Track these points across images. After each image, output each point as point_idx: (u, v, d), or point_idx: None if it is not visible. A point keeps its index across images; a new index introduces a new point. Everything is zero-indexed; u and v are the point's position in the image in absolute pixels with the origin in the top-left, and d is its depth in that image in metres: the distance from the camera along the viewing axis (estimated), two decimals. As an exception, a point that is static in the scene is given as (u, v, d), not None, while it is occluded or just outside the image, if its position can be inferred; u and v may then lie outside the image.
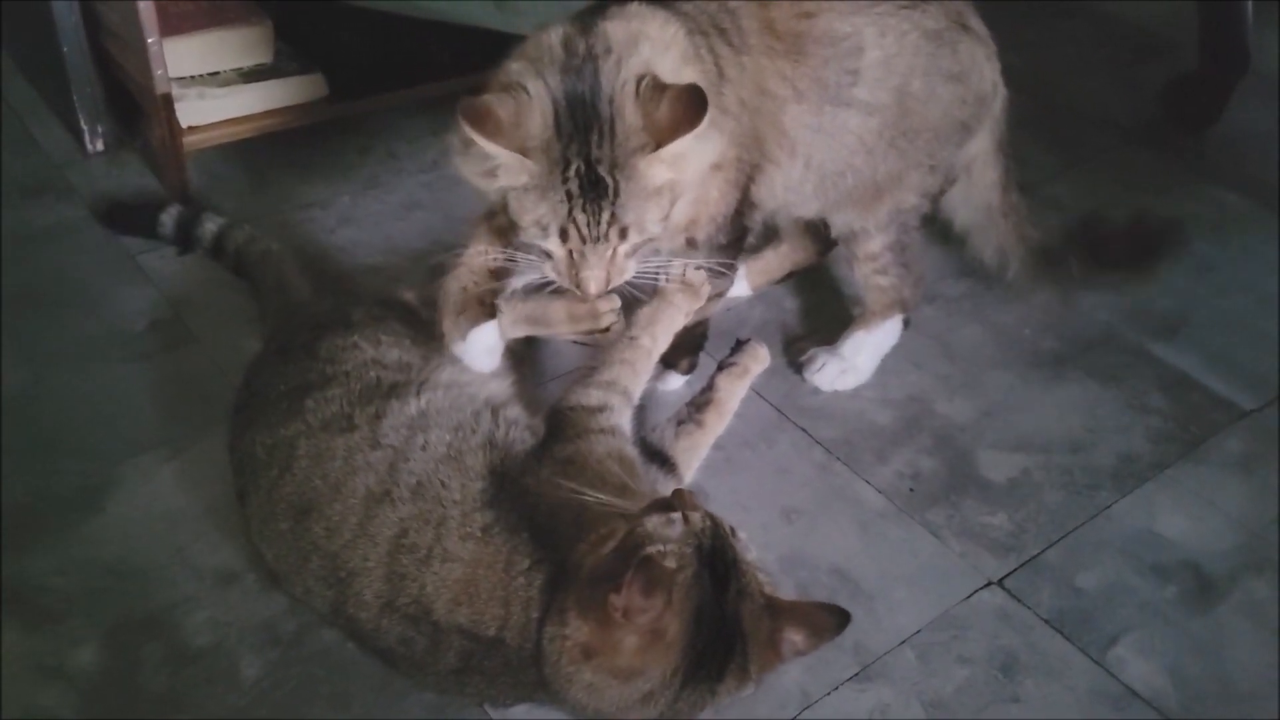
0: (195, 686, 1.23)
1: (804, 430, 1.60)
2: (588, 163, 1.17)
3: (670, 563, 1.01)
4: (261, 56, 1.94)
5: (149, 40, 1.72)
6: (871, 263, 1.59)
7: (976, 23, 1.49)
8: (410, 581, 1.14)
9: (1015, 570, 1.42)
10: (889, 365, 1.70)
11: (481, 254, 1.34)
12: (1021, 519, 1.49)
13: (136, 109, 1.92)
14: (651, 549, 1.00)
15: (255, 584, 1.30)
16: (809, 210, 1.55)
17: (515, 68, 1.21)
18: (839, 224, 1.57)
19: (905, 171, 1.50)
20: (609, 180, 1.17)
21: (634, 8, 1.26)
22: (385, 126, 2.10)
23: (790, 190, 1.46)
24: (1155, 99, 2.37)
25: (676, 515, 1.05)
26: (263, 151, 2.00)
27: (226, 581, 1.32)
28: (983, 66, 1.50)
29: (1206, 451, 1.61)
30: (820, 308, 1.81)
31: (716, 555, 1.05)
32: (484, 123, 1.15)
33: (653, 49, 1.22)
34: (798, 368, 1.68)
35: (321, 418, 1.24)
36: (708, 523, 1.07)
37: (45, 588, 1.31)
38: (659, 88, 1.17)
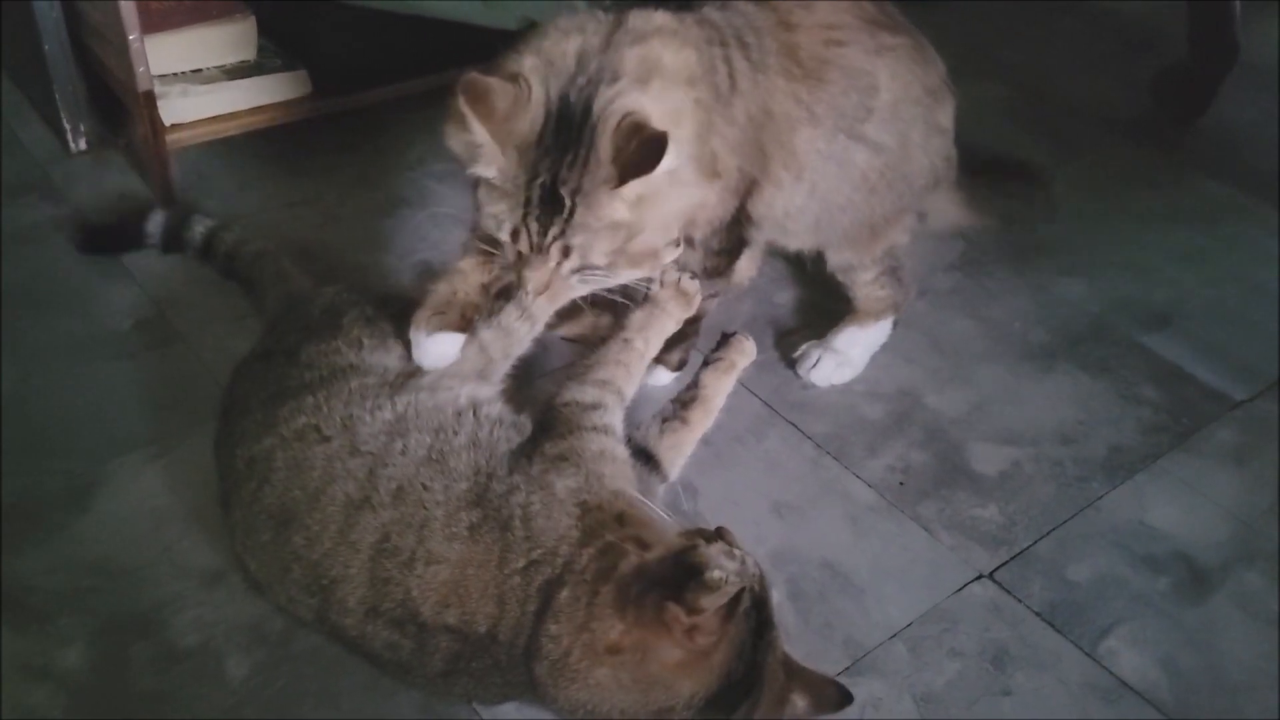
0: (183, 686, 1.22)
1: (794, 425, 1.59)
2: (554, 179, 1.19)
3: (746, 600, 1.03)
4: (244, 53, 1.93)
5: (130, 37, 1.70)
6: (868, 286, 1.63)
7: (951, 87, 1.54)
8: (394, 586, 1.13)
9: (1006, 563, 1.42)
10: (879, 359, 1.70)
11: (478, 265, 1.34)
12: (1012, 511, 1.49)
13: (120, 107, 1.90)
14: (718, 574, 1.00)
15: (242, 583, 1.29)
16: (805, 243, 1.57)
17: (529, 63, 1.22)
18: (836, 261, 1.61)
19: (900, 214, 1.55)
20: (567, 202, 1.19)
21: (657, 20, 1.27)
22: (370, 123, 2.09)
23: (790, 217, 1.48)
24: (1146, 91, 2.37)
25: (738, 552, 1.06)
26: (248, 149, 1.99)
27: (214, 580, 1.31)
28: (953, 128, 1.56)
29: (1198, 442, 1.61)
30: (810, 301, 1.80)
31: (760, 603, 1.06)
32: (480, 103, 1.17)
33: (662, 85, 1.23)
34: (790, 363, 1.67)
35: (295, 428, 1.23)
36: (758, 569, 1.08)
37: (32, 587, 1.30)
38: (636, 129, 1.18)
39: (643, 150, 1.17)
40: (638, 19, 1.27)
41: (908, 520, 1.47)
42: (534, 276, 1.24)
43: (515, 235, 1.22)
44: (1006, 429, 1.61)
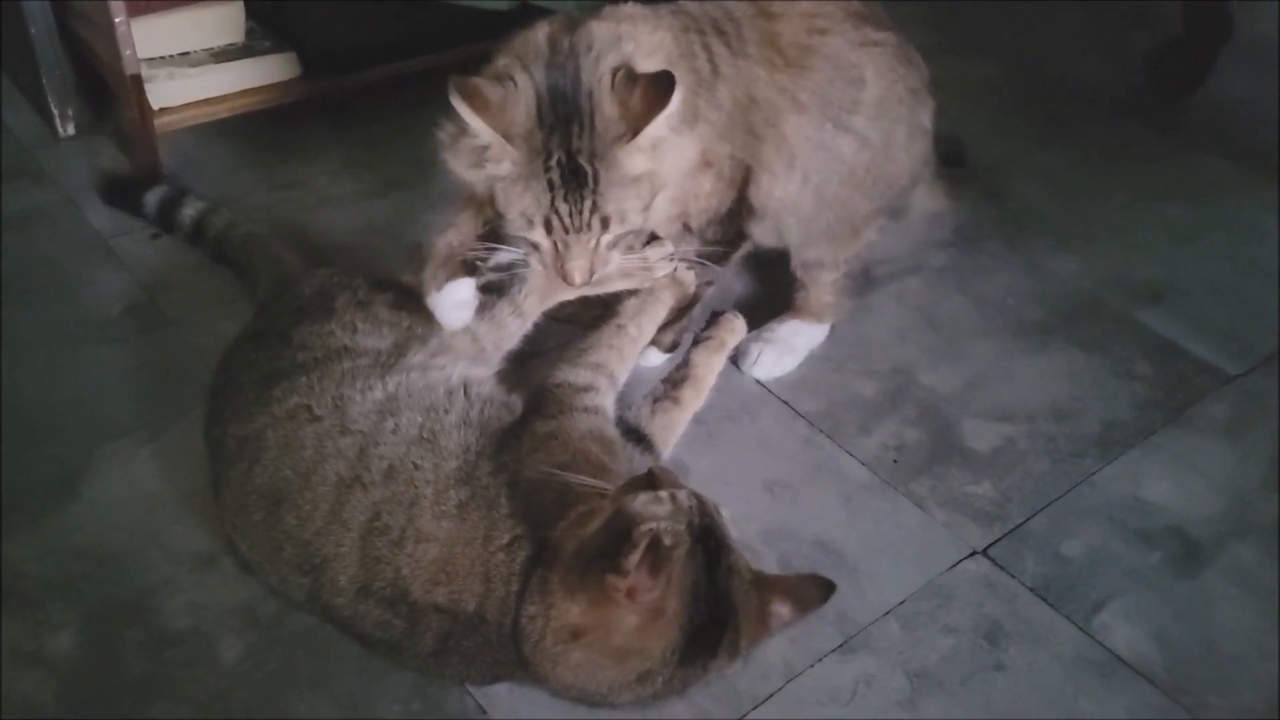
0: (174, 670, 1.21)
1: (786, 403, 1.59)
2: (568, 153, 1.19)
3: (667, 540, 1.00)
4: (232, 36, 1.92)
5: (116, 20, 1.70)
6: (825, 287, 1.62)
7: (931, 90, 1.54)
8: (384, 565, 1.13)
9: (1000, 539, 1.42)
10: (874, 337, 1.70)
11: (472, 220, 1.34)
12: (1006, 488, 1.48)
13: (108, 92, 1.89)
14: (646, 527, 0.99)
15: (233, 567, 1.29)
16: (793, 238, 1.54)
17: (503, 62, 1.24)
18: (808, 256, 1.58)
19: (879, 212, 1.56)
20: (588, 169, 1.19)
21: (627, 9, 1.29)
22: (361, 105, 2.08)
23: (787, 208, 1.47)
24: (1140, 67, 2.36)
25: (664, 493, 1.04)
26: (237, 132, 1.98)
27: (205, 564, 1.31)
28: (932, 130, 1.56)
29: (1192, 417, 1.61)
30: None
31: (706, 532, 1.04)
32: (473, 99, 1.18)
33: (636, 48, 1.24)
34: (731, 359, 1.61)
35: (287, 408, 1.23)
36: (694, 500, 1.06)
37: (22, 574, 1.29)
38: (632, 78, 1.20)
39: (647, 93, 1.18)
40: (608, 8, 1.29)
41: (901, 497, 1.46)
42: (578, 264, 1.24)
43: (549, 225, 1.22)
44: (1000, 405, 1.61)
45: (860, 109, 1.43)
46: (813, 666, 1.26)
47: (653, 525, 0.98)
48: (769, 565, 1.35)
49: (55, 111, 1.94)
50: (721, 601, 1.02)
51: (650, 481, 1.06)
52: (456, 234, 1.34)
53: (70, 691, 1.19)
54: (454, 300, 1.33)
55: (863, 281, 1.71)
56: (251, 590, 1.27)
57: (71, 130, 1.96)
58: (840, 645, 1.28)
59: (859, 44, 1.43)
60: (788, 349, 1.63)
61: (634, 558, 0.95)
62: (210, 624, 1.25)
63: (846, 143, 1.44)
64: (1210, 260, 1.90)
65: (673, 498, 1.03)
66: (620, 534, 0.99)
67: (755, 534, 1.39)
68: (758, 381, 1.61)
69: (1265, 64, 2.37)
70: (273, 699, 1.20)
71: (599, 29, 1.24)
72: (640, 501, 1.03)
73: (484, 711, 1.20)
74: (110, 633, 1.24)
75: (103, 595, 1.28)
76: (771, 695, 1.23)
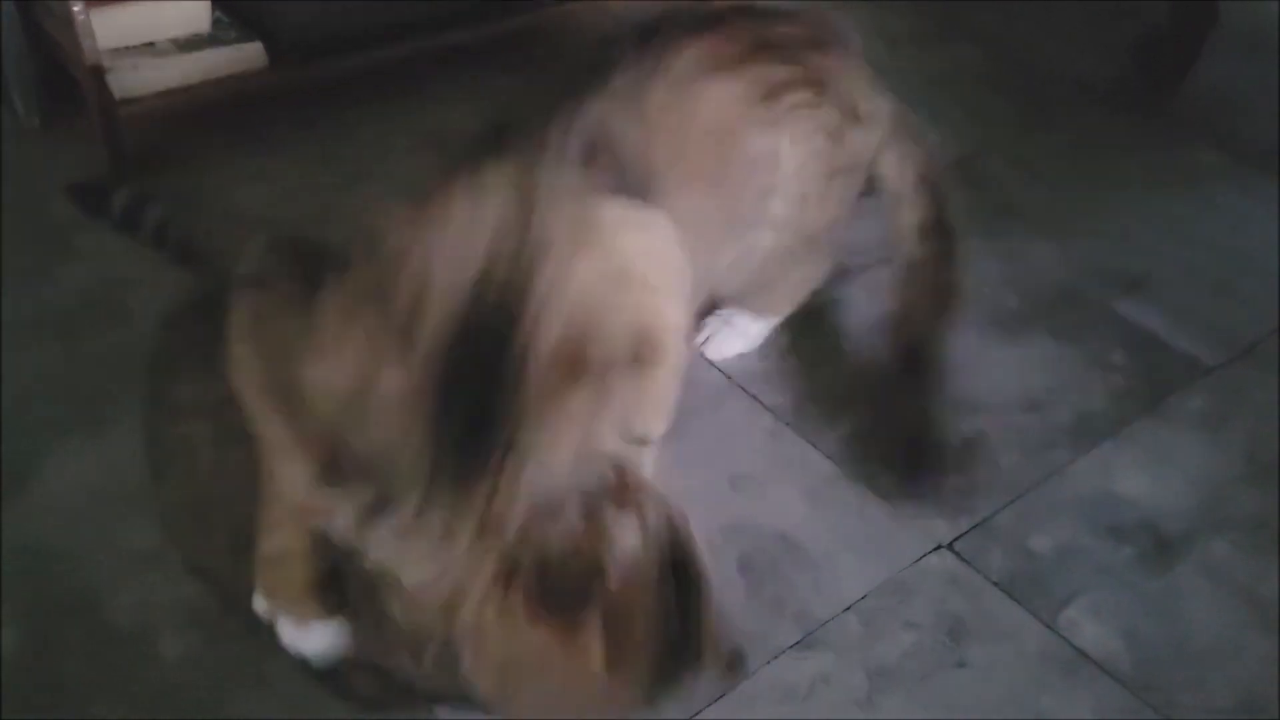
0: (116, 668, 1.19)
1: (753, 397, 1.56)
2: None
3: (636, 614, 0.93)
4: (198, 26, 1.89)
5: (75, 9, 1.67)
6: (780, 301, 1.60)
7: (865, 105, 1.38)
8: None
9: (966, 533, 1.39)
10: (843, 328, 1.67)
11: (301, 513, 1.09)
12: (974, 480, 1.45)
13: (73, 83, 1.87)
14: (615, 573, 0.92)
15: (178, 565, 1.26)
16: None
17: None
18: (756, 304, 1.58)
19: (819, 265, 1.54)
20: None
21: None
22: (329, 96, 2.05)
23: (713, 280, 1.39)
24: (1126, 56, 2.33)
25: (633, 517, 0.95)
26: (204, 124, 1.95)
27: (149, 562, 1.28)
28: (868, 144, 1.42)
29: (1168, 409, 1.57)
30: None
31: (676, 559, 0.95)
32: None
33: None
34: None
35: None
36: (664, 517, 0.96)
37: (-35, 571, 1.28)
38: None
39: None
40: None
41: (867, 491, 1.43)
42: None
43: None
44: (972, 396, 1.57)
45: (776, 191, 1.32)
46: (769, 663, 1.23)
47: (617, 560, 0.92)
48: (730, 560, 1.33)
49: (20, 104, 1.91)
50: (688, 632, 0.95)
51: (620, 488, 0.97)
52: (292, 535, 1.11)
53: (9, 689, 1.17)
54: (324, 644, 1.16)
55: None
56: (194, 588, 1.24)
57: (36, 123, 1.94)
58: (798, 641, 1.25)
59: (770, 124, 1.28)
60: (743, 332, 1.61)
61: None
62: (154, 621, 1.23)
63: (762, 235, 1.35)
64: (1191, 250, 1.87)
65: (642, 522, 0.94)
66: (585, 573, 0.92)
67: (717, 528, 1.37)
68: (724, 375, 1.58)
69: (1252, 54, 2.33)
70: (216, 697, 1.17)
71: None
72: (609, 527, 0.93)
73: (431, 710, 1.17)
74: (52, 630, 1.22)
75: (46, 592, 1.26)
76: (725, 693, 1.20)
